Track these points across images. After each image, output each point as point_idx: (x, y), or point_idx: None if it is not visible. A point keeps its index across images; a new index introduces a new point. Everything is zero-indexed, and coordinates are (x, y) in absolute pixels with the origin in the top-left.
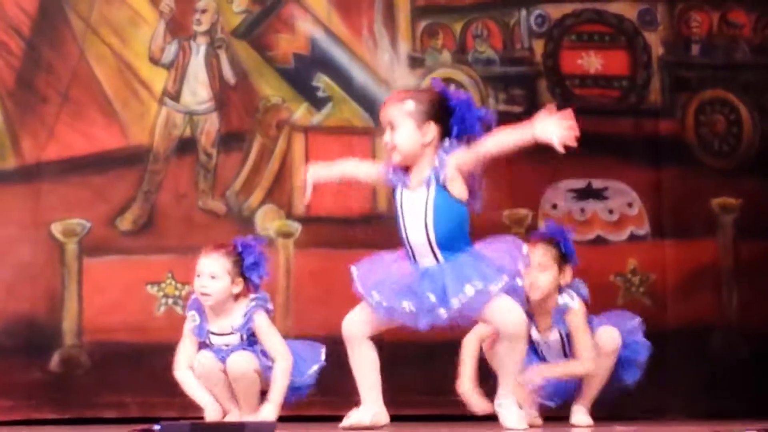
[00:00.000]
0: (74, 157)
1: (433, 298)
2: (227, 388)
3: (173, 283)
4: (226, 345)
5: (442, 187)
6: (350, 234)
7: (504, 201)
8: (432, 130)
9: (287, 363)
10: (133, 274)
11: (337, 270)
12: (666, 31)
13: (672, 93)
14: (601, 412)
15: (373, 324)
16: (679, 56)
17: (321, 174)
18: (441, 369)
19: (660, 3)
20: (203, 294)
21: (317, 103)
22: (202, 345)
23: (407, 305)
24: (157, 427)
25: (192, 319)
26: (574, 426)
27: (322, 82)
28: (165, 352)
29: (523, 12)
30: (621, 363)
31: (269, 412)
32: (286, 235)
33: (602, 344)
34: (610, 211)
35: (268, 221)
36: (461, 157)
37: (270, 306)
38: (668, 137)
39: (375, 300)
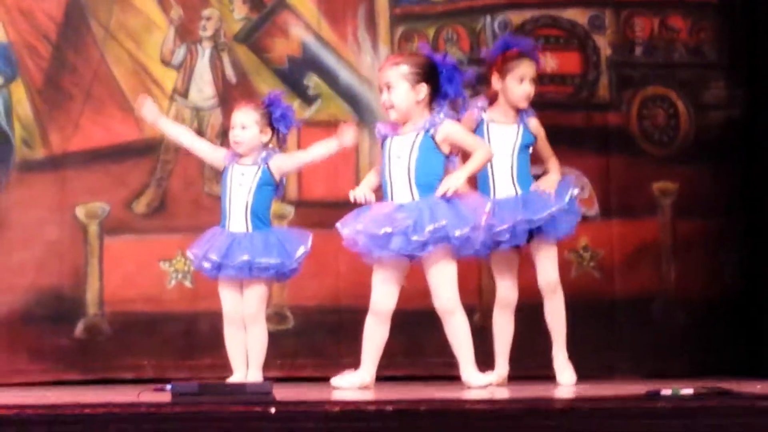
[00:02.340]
0: (96, 148)
1: (408, 221)
2: (243, 343)
3: (183, 259)
4: (242, 174)
5: (431, 137)
6: (338, 216)
7: (471, 185)
8: (424, 89)
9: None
10: (147, 251)
11: (327, 248)
12: (613, 35)
13: (618, 89)
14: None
15: (396, 287)
16: (625, 57)
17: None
18: (419, 335)
19: (608, 10)
20: (235, 142)
21: (308, 100)
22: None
23: (383, 229)
24: (168, 386)
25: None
26: (560, 384)
27: (312, 81)
28: (176, 320)
29: (488, 18)
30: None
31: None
32: (281, 216)
33: (544, 282)
34: None
35: (275, 206)
36: (452, 134)
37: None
38: (615, 129)
39: (356, 229)
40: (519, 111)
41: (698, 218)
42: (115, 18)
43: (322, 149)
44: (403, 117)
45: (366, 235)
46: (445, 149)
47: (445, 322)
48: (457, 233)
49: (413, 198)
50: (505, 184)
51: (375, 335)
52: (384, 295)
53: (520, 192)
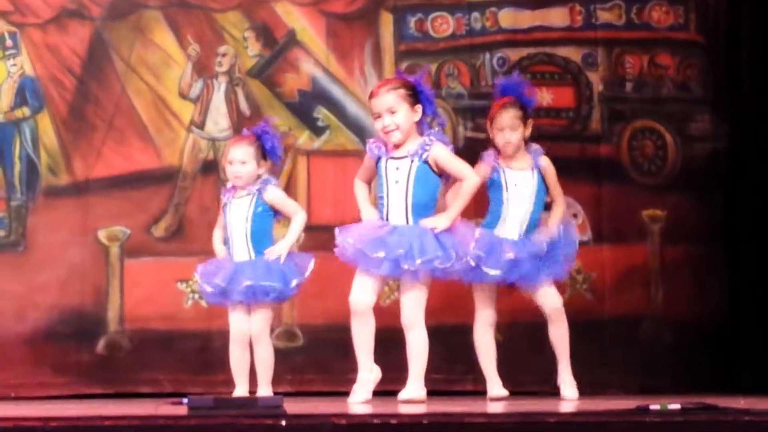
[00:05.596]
0: (117, 175)
1: (401, 251)
2: (247, 361)
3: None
4: (239, 206)
5: (425, 161)
6: None
7: (470, 211)
8: (419, 110)
9: (302, 217)
10: (165, 272)
11: (334, 270)
12: (605, 71)
13: (610, 122)
14: (547, 387)
15: (375, 287)
16: (616, 92)
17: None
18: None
19: (600, 48)
20: (236, 177)
21: (317, 131)
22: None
23: (376, 253)
24: (185, 400)
25: (223, 202)
26: (564, 399)
27: (322, 113)
28: (192, 337)
29: (487, 55)
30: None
31: (281, 248)
32: None
33: (550, 309)
34: None
35: (277, 229)
36: (439, 157)
37: (276, 183)
38: (607, 159)
39: (348, 242)
40: (530, 152)
41: (685, 244)
42: (136, 53)
43: (299, 228)
44: (404, 138)
45: (358, 252)
46: (437, 170)
47: (406, 335)
48: (442, 267)
49: (407, 221)
50: (512, 227)
51: (360, 334)
52: (360, 295)
53: (521, 236)
